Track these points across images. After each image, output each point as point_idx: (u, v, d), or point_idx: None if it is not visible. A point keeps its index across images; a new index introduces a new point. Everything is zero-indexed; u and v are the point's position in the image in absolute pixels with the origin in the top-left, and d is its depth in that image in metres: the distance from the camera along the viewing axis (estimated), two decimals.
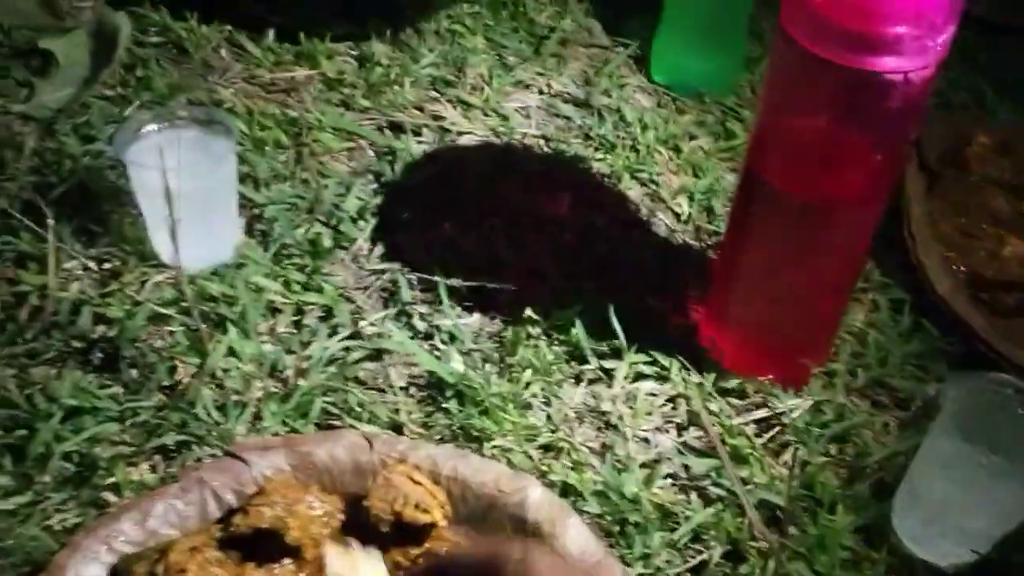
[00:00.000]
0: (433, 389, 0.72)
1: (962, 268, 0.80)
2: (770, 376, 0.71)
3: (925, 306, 0.78)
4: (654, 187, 0.91)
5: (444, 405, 0.71)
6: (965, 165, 0.87)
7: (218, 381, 0.71)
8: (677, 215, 0.88)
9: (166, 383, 0.70)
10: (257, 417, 0.69)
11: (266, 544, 0.59)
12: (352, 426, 0.69)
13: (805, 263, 0.64)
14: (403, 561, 0.59)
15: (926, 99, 0.58)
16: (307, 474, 0.63)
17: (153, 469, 0.66)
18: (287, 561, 0.58)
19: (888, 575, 0.62)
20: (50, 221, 0.75)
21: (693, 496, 0.66)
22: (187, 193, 0.70)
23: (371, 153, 0.92)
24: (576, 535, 0.58)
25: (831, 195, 0.61)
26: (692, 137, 0.96)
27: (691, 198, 0.89)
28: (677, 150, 0.94)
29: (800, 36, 0.55)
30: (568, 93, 1.00)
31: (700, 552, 0.63)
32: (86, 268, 0.78)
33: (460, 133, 0.95)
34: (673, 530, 0.63)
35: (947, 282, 0.77)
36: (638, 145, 0.94)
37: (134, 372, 0.71)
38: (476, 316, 0.78)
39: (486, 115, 0.97)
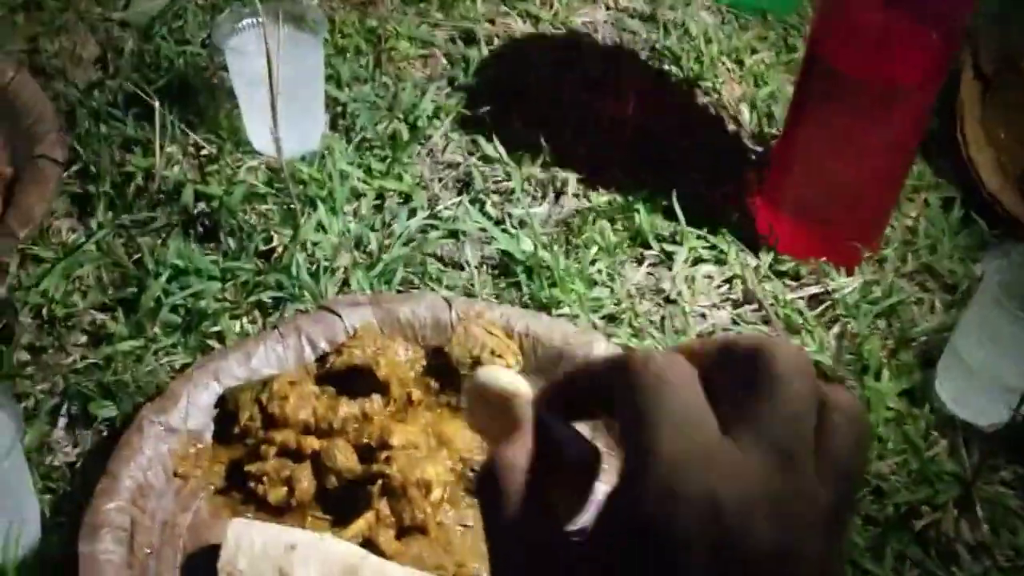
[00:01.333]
0: (505, 265, 0.78)
1: (1012, 168, 0.83)
2: (823, 258, 0.75)
3: (975, 203, 0.82)
4: (716, 95, 0.95)
5: (515, 279, 0.76)
6: (1020, 75, 0.90)
7: (309, 251, 0.77)
8: (738, 121, 0.92)
9: (263, 251, 0.76)
10: (345, 283, 0.75)
11: (357, 382, 0.65)
12: (432, 291, 0.74)
13: (861, 146, 0.68)
14: None
15: None
16: (392, 328, 0.69)
17: (253, 322, 0.72)
18: (376, 397, 0.64)
19: (929, 432, 0.67)
20: (156, 105, 0.82)
21: None
22: (281, 80, 0.76)
23: (445, 61, 0.98)
24: None
25: (890, 77, 0.64)
26: (755, 51, 0.99)
27: (753, 105, 0.93)
28: (740, 63, 0.98)
29: None
30: (634, 9, 1.04)
31: None
32: (186, 153, 0.85)
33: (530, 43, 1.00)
34: None
35: (997, 179, 0.80)
36: (702, 57, 0.98)
37: (232, 241, 0.77)
38: (545, 205, 0.83)
39: (555, 28, 1.02)
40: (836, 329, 0.72)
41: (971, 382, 0.66)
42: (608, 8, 1.04)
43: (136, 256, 0.76)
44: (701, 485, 0.25)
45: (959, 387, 0.67)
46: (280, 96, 0.73)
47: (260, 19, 0.82)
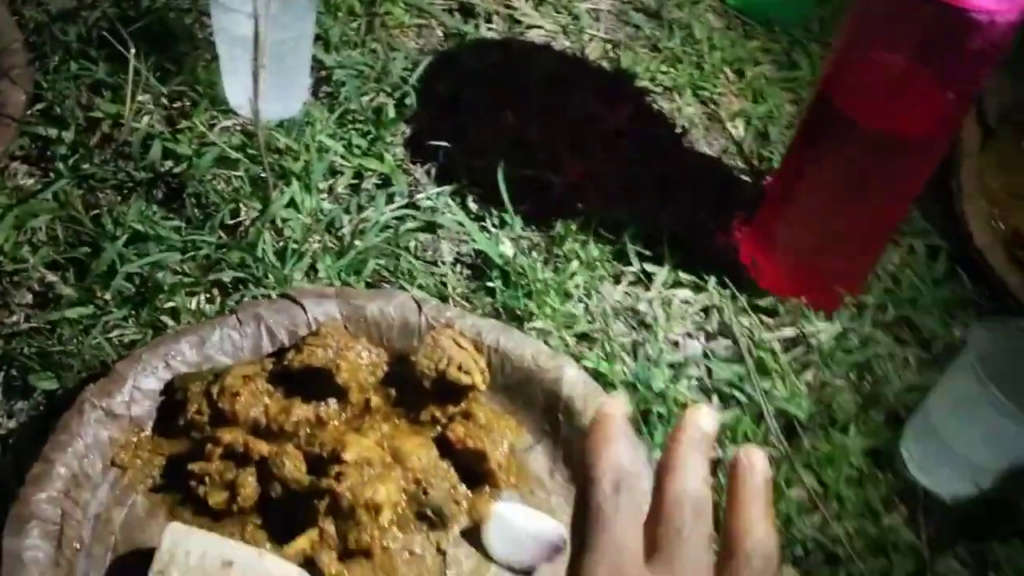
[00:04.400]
0: (480, 267, 0.75)
1: (1002, 225, 0.81)
2: (803, 299, 0.73)
3: (961, 256, 0.80)
4: (713, 106, 0.92)
5: (489, 284, 0.74)
6: (1022, 128, 0.88)
7: (278, 228, 0.73)
8: (732, 136, 0.90)
9: (228, 223, 0.73)
10: (312, 268, 0.72)
11: (313, 383, 0.62)
12: (402, 288, 0.72)
13: (860, 195, 0.66)
14: (440, 416, 0.63)
15: (1006, 48, 0.59)
16: (357, 326, 0.66)
17: (210, 301, 0.69)
18: (332, 401, 0.62)
19: (890, 496, 0.66)
20: (132, 52, 0.77)
21: (715, 398, 0.69)
22: (268, 44, 0.72)
23: (440, 33, 0.93)
24: None
25: (899, 130, 0.62)
26: (757, 63, 0.97)
27: (748, 122, 0.90)
28: (740, 73, 0.95)
29: None
30: (640, 1, 1.00)
31: (714, 450, 0.67)
32: (158, 103, 0.80)
33: (530, 27, 0.96)
34: None
35: (986, 235, 0.79)
36: (703, 63, 0.95)
37: (197, 209, 0.73)
38: (528, 205, 0.80)
39: (557, 12, 0.98)
40: (808, 375, 0.71)
41: (939, 450, 0.65)
42: None
43: (94, 212, 0.72)
44: None
45: (926, 453, 0.66)
46: (267, 58, 0.69)
47: None
